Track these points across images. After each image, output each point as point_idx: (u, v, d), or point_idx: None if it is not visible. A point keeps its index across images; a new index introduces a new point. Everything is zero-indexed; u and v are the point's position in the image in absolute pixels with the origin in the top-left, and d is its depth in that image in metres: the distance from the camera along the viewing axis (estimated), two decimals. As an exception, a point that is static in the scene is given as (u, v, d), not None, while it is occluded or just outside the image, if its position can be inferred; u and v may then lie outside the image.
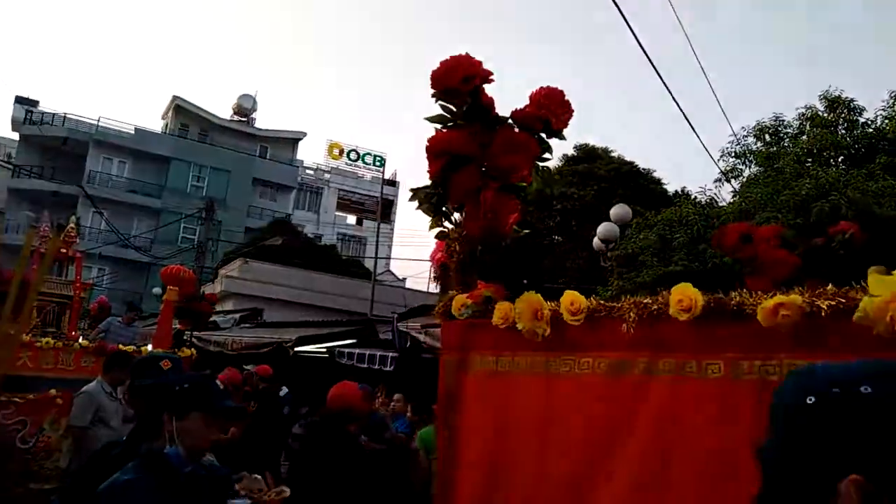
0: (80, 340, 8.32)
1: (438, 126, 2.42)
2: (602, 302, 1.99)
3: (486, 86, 2.33)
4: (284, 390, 7.77)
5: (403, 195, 41.31)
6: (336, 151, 37.84)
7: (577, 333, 2.01)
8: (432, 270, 19.54)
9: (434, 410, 6.42)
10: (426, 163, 2.38)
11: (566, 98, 2.35)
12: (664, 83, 6.80)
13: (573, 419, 2.00)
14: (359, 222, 41.36)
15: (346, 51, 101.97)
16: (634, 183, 17.14)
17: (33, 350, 6.86)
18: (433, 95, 2.37)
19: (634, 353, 1.89)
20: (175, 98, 35.58)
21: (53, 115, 32.87)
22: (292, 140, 38.69)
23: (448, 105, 2.40)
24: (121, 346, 8.30)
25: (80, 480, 2.55)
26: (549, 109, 2.31)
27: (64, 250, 8.57)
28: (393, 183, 39.42)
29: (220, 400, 2.22)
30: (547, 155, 2.46)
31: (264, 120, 45.17)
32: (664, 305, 1.80)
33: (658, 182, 18.15)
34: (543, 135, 2.38)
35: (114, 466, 2.09)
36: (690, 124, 8.06)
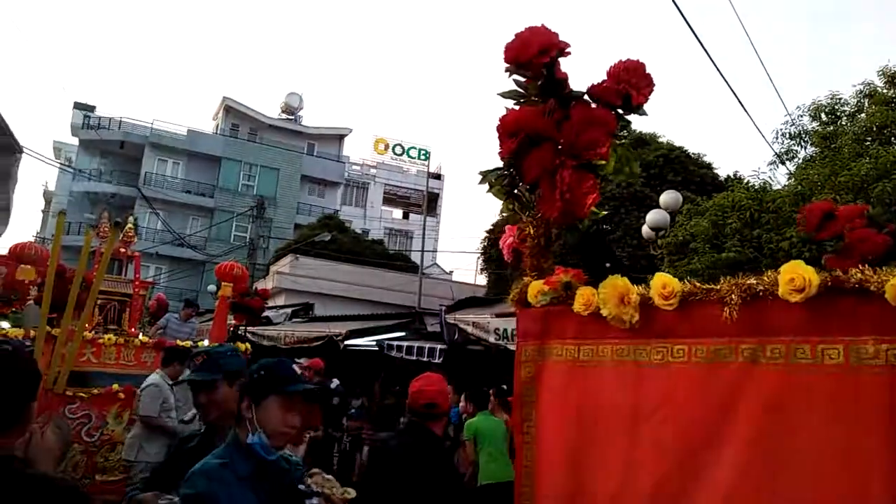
0: (141, 337, 8.52)
1: (510, 105, 2.29)
2: (697, 284, 1.84)
3: (561, 60, 2.19)
4: (335, 382, 7.81)
5: (448, 188, 41.37)
6: (381, 146, 38.06)
7: (669, 319, 1.86)
8: (481, 262, 19.38)
9: (488, 400, 6.33)
10: (497, 143, 2.25)
11: (647, 71, 2.20)
12: (713, 62, 6.50)
13: (666, 412, 1.84)
14: (405, 216, 41.55)
15: (390, 46, 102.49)
16: (684, 168, 16.66)
17: (96, 346, 7.04)
18: (506, 70, 2.26)
19: (737, 339, 1.73)
20: (225, 99, 36.34)
21: (110, 119, 33.94)
22: (338, 136, 39.08)
23: (521, 80, 2.28)
24: (178, 341, 8.49)
25: (161, 474, 2.55)
26: (630, 83, 2.16)
27: (122, 250, 8.77)
28: (438, 176, 39.46)
29: (294, 383, 2.09)
30: (624, 132, 2.33)
31: (311, 117, 45.89)
32: (772, 286, 1.65)
33: (709, 167, 17.61)
34: (622, 111, 2.24)
35: (190, 459, 2.07)
36: (742, 105, 7.71)
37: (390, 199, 40.91)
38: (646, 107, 2.25)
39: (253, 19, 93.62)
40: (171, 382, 6.19)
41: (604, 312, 1.96)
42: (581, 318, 2.05)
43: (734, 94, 7.16)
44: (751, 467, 1.65)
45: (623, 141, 2.46)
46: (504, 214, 2.49)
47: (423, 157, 37.41)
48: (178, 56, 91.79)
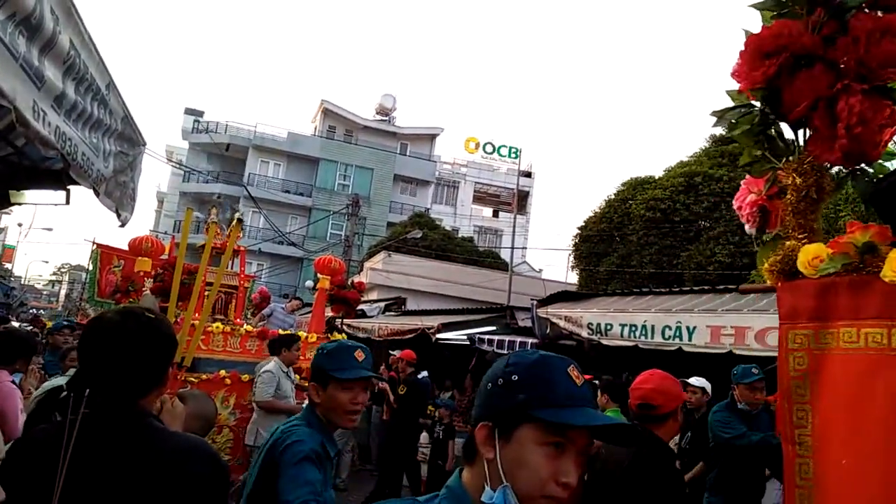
0: (245, 326, 9.04)
1: (749, 31, 1.87)
2: None
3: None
4: (424, 374, 7.98)
5: (539, 186, 40.94)
6: (472, 145, 38.29)
7: None
8: (572, 259, 19.16)
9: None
10: (741, 71, 1.83)
11: None
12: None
13: None
14: (495, 214, 41.63)
15: (481, 47, 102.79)
16: (792, 162, 15.85)
17: (205, 334, 7.49)
18: None
19: None
20: (323, 102, 37.68)
21: (217, 123, 36.01)
22: (430, 136, 39.66)
23: None
24: (281, 331, 8.94)
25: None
26: None
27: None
28: (528, 174, 39.26)
29: (573, 402, 1.12)
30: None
31: (404, 118, 46.86)
32: None
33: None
34: None
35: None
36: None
37: (480, 198, 41.09)
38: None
39: (350, 25, 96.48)
40: (285, 370, 6.40)
41: None
42: (892, 291, 1.57)
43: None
44: None
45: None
46: (747, 163, 1.96)
47: (513, 156, 37.33)
48: (281, 62, 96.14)
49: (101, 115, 2.53)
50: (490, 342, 8.44)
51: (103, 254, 14.90)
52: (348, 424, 2.21)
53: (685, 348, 5.57)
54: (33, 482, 1.41)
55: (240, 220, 3.56)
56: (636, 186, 17.29)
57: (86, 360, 1.54)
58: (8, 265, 38.63)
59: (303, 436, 2.15)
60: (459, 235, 30.21)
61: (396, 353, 8.74)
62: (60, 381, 3.40)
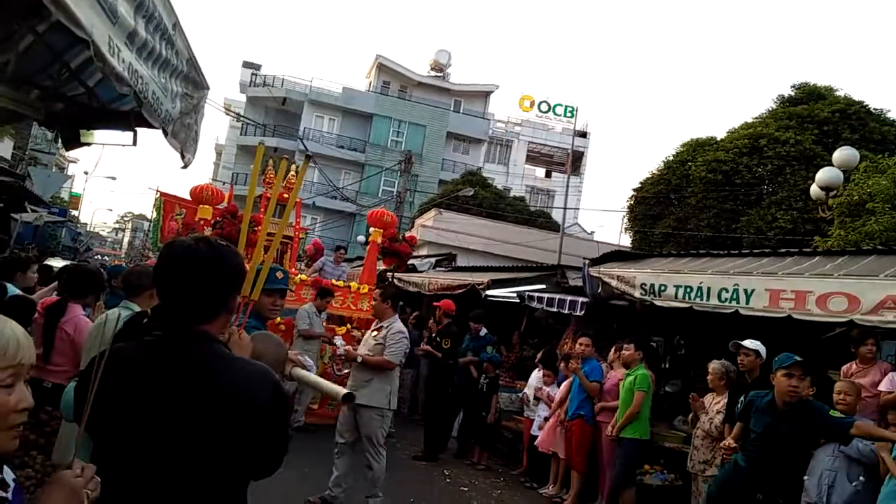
0: (300, 276, 9.29)
1: None
2: None
3: None
4: (484, 331, 8.01)
5: (594, 146, 39.98)
6: (527, 104, 37.61)
7: None
8: (626, 221, 18.78)
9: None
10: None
11: None
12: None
13: None
14: (547, 175, 41.08)
15: (539, 1, 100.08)
16: (862, 125, 15.08)
17: (262, 282, 7.79)
18: None
19: None
20: (378, 57, 37.51)
21: (274, 77, 36.30)
22: (484, 93, 39.13)
23: None
24: (333, 280, 9.17)
25: None
26: None
27: (286, 195, 9.55)
28: (584, 134, 38.43)
29: None
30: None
31: (459, 74, 46.05)
32: None
33: (892, 124, 15.78)
34: None
35: None
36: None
37: (533, 158, 40.57)
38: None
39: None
40: (315, 311, 8.03)
41: None
42: None
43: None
44: None
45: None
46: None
47: (568, 115, 36.53)
48: (336, 16, 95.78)
49: (169, 55, 2.54)
50: (540, 300, 8.41)
51: (166, 202, 15.44)
52: None
53: (742, 311, 5.43)
54: (113, 395, 1.50)
55: (308, 157, 3.60)
56: (696, 147, 16.78)
57: (159, 281, 1.61)
58: (75, 212, 40.32)
59: None
60: (511, 195, 29.99)
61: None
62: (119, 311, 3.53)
